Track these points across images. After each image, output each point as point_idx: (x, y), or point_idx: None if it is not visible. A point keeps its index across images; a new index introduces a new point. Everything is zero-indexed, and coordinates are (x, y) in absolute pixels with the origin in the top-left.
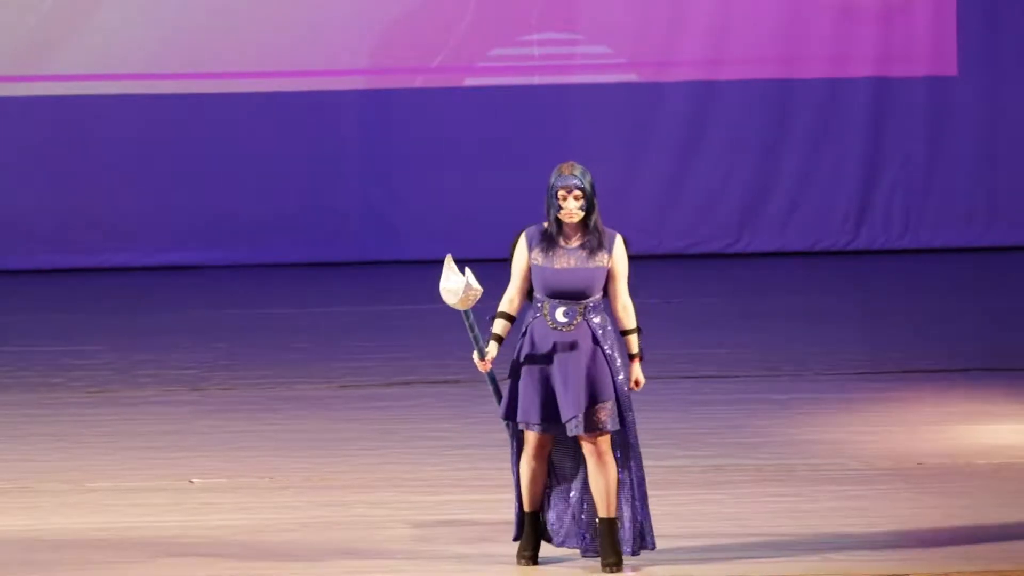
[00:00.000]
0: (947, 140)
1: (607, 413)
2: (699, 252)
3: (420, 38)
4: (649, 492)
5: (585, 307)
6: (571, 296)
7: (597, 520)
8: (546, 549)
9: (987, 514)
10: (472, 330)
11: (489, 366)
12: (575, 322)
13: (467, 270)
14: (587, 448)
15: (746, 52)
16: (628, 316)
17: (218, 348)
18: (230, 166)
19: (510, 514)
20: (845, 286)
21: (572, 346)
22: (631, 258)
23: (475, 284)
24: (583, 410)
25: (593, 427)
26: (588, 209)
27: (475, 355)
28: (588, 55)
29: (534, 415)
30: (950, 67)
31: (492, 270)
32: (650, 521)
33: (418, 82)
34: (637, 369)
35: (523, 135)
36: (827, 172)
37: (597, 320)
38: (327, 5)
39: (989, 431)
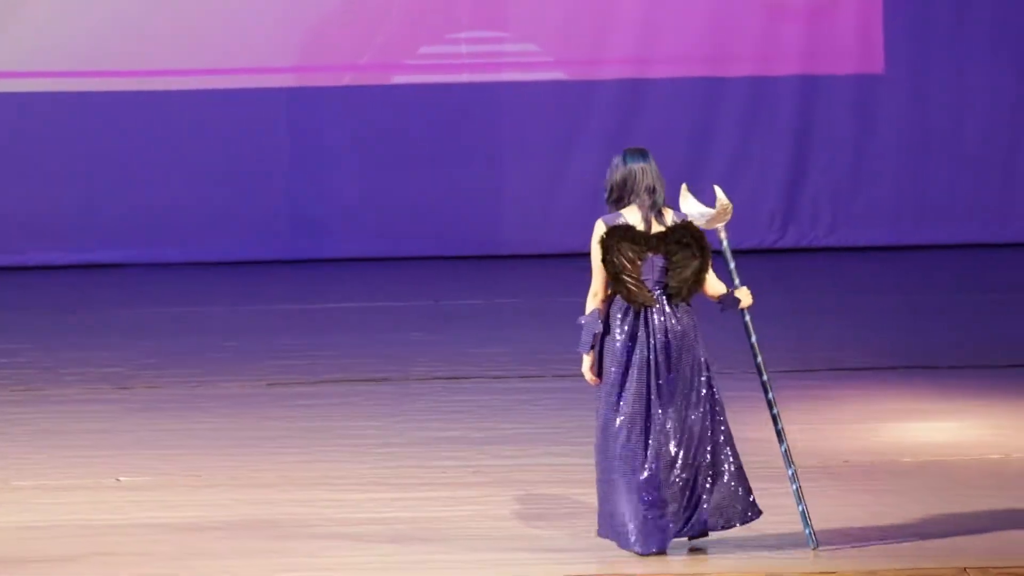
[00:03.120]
0: (874, 138)
1: None
2: None
3: (348, 35)
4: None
5: None
6: None
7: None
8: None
9: (912, 511)
10: (729, 258)
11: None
12: None
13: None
14: None
15: (674, 50)
16: None
17: (145, 346)
18: (157, 164)
19: (435, 512)
20: (772, 284)
21: None
22: (570, 255)
23: (724, 199)
24: None
25: None
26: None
27: (742, 292)
28: (516, 52)
29: None
30: (876, 65)
31: (431, 267)
32: None
33: (346, 80)
34: None
35: (452, 133)
36: (754, 170)
37: None
38: (255, 2)
39: (915, 429)
